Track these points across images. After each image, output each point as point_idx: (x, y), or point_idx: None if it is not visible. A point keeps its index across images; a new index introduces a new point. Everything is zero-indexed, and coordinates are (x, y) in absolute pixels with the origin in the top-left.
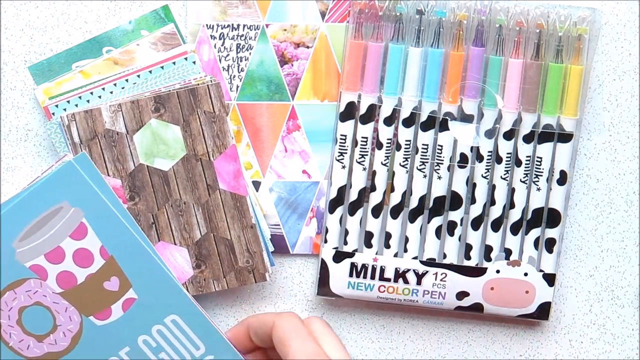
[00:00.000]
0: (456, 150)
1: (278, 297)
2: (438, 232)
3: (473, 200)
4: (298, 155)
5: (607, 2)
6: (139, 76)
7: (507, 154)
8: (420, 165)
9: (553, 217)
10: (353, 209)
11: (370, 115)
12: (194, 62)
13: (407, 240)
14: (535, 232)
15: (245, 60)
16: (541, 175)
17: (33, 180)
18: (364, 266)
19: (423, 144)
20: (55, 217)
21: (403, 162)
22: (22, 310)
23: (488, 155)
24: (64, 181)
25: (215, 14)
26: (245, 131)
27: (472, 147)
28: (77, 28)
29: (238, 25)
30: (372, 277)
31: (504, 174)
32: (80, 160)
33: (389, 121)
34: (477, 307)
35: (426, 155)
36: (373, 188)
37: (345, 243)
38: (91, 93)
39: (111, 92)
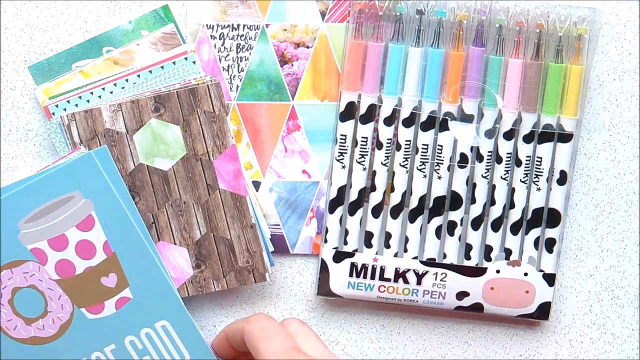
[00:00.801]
0: (456, 150)
1: (278, 297)
2: (438, 232)
3: (473, 200)
4: (298, 155)
5: (607, 2)
6: (139, 76)
7: (507, 154)
8: (420, 165)
9: (553, 217)
10: (353, 209)
11: (370, 115)
12: (194, 62)
13: (407, 240)
14: (535, 232)
15: (245, 60)
16: (541, 175)
17: (47, 166)
18: (364, 266)
19: (423, 144)
20: (65, 205)
21: (403, 162)
22: (16, 290)
23: (488, 155)
24: (80, 171)
25: (215, 14)
26: (245, 131)
27: (472, 147)
28: (77, 28)
29: (238, 25)
30: (372, 277)
31: (504, 174)
32: (99, 153)
33: (389, 121)
34: (477, 307)
35: (426, 155)
36: (373, 188)
37: (345, 243)
38: (91, 93)
39: (111, 92)
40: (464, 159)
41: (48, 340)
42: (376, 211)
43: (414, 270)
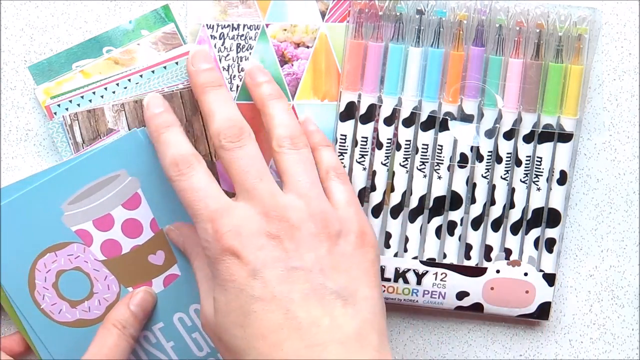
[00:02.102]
0: (456, 150)
1: None
2: (438, 232)
3: (473, 200)
4: None
5: (607, 2)
6: (141, 76)
7: (507, 153)
8: (420, 165)
9: (553, 217)
10: None
11: (370, 115)
12: None
13: (407, 240)
14: (535, 232)
15: (246, 60)
16: (541, 175)
17: (88, 148)
18: None
19: (423, 144)
20: (111, 184)
21: (403, 162)
22: (60, 273)
23: (488, 155)
24: (126, 150)
25: (215, 13)
26: None
27: (472, 147)
28: (77, 28)
29: (238, 25)
30: None
31: (504, 174)
32: (145, 131)
33: (389, 121)
34: (477, 307)
35: (426, 155)
36: (373, 188)
37: None
38: (93, 93)
39: (113, 92)
40: (464, 159)
41: (94, 322)
42: (376, 211)
43: (414, 270)
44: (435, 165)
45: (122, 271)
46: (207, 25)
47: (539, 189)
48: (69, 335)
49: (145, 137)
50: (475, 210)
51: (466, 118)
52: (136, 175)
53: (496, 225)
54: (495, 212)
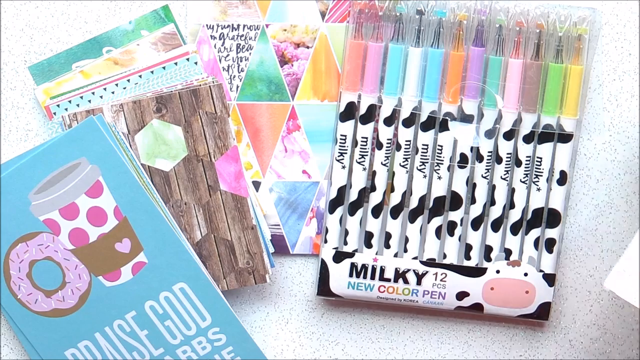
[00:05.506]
0: (456, 151)
1: (278, 298)
2: (438, 232)
3: (473, 200)
4: (298, 155)
5: (607, 2)
6: (140, 76)
7: (507, 154)
8: (420, 166)
9: (553, 217)
10: (353, 209)
11: (370, 115)
12: (196, 63)
13: (407, 240)
14: (535, 232)
15: (245, 60)
16: (541, 176)
17: (51, 138)
18: (364, 266)
19: (423, 144)
20: (73, 173)
21: (403, 162)
22: (33, 263)
23: (488, 156)
24: (84, 137)
25: (215, 14)
26: (245, 131)
27: (472, 147)
28: (77, 28)
29: (238, 25)
30: (372, 277)
31: (504, 174)
32: (101, 118)
33: (389, 121)
34: (477, 307)
35: (426, 156)
36: (373, 188)
37: (345, 243)
38: (93, 93)
39: (112, 92)
40: (464, 159)
41: (69, 311)
42: (376, 211)
43: (414, 271)
44: (435, 166)
45: (91, 260)
46: (207, 25)
47: (539, 189)
48: (47, 325)
49: (102, 124)
50: (475, 210)
51: (466, 118)
52: (96, 163)
53: (496, 225)
54: (495, 212)
